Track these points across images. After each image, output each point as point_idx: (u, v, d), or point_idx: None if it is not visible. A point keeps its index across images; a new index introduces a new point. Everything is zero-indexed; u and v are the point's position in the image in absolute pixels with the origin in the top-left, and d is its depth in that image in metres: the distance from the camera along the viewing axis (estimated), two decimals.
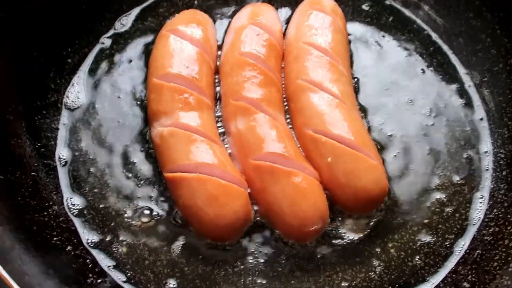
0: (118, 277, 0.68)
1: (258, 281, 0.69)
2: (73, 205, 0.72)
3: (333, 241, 0.71)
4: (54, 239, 0.67)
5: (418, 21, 0.88)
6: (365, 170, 0.70)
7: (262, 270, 0.69)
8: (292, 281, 0.69)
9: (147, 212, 0.72)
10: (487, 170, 0.76)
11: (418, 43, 0.86)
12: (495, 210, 0.73)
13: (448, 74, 0.84)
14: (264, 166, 0.70)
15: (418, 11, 0.88)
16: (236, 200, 0.68)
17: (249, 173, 0.71)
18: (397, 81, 0.83)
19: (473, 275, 0.68)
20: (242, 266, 0.69)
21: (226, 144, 0.75)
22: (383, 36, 0.87)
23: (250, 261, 0.69)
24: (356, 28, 0.87)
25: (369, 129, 0.78)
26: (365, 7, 0.89)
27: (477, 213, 0.74)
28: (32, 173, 0.71)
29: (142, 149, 0.76)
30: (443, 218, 0.73)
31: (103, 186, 0.73)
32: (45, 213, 0.69)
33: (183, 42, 0.77)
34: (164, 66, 0.76)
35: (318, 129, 0.73)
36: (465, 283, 0.67)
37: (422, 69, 0.84)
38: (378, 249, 0.71)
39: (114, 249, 0.69)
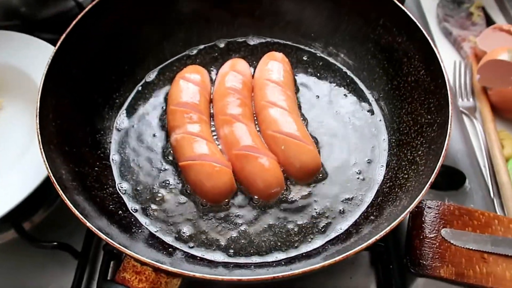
0: (151, 228, 0.73)
1: (238, 222, 0.74)
2: (122, 187, 0.77)
3: (287, 199, 0.76)
4: (111, 206, 0.73)
5: (338, 64, 0.94)
6: (305, 152, 0.77)
7: (240, 218, 0.74)
8: (257, 222, 0.74)
9: (169, 188, 0.77)
10: (384, 150, 0.82)
11: (339, 78, 0.92)
12: (389, 173, 0.78)
13: (359, 95, 0.90)
14: (241, 154, 0.76)
15: (337, 58, 0.95)
16: (224, 175, 0.74)
17: (232, 159, 0.77)
18: (328, 102, 0.89)
19: (376, 212, 0.73)
20: (227, 216, 0.74)
21: (218, 144, 0.81)
22: (318, 74, 0.93)
23: (233, 213, 0.75)
24: (299, 71, 0.94)
25: (308, 129, 0.84)
26: (304, 58, 0.95)
27: (379, 176, 0.79)
28: (96, 168, 0.77)
29: (165, 151, 0.82)
30: (358, 181, 0.78)
31: (140, 175, 0.79)
32: (104, 192, 0.74)
33: (188, 84, 0.85)
34: (177, 98, 0.83)
35: (274, 129, 0.79)
36: (371, 217, 0.73)
37: (345, 94, 0.90)
38: (315, 201, 0.76)
39: (149, 212, 0.75)
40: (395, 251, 0.82)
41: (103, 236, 0.56)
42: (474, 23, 1.19)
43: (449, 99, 0.71)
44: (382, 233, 0.57)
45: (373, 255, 0.82)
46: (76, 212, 0.58)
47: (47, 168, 0.60)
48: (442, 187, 0.89)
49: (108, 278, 0.76)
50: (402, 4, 1.14)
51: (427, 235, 0.77)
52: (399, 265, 0.80)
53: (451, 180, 0.91)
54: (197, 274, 0.53)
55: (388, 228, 0.58)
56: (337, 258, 0.54)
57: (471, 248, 0.76)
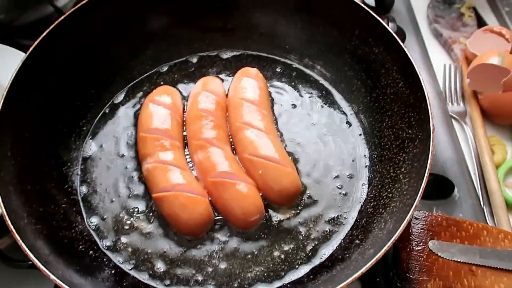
0: (125, 266, 0.69)
1: (221, 255, 0.71)
2: (91, 222, 0.73)
3: (269, 225, 0.74)
4: (81, 247, 0.69)
5: (314, 75, 0.91)
6: (284, 175, 0.74)
7: (219, 250, 0.72)
8: (238, 253, 0.71)
9: (140, 219, 0.74)
10: (366, 166, 0.80)
11: (316, 89, 0.89)
12: (373, 191, 0.76)
13: (337, 108, 0.87)
14: (218, 181, 0.73)
15: (314, 70, 0.92)
16: (200, 206, 0.71)
17: (209, 187, 0.74)
18: (304, 114, 0.86)
19: (361, 235, 0.71)
20: (208, 247, 0.72)
21: (193, 170, 0.77)
22: (294, 86, 0.90)
23: (215, 244, 0.72)
24: (274, 83, 0.90)
25: (285, 146, 0.81)
26: (278, 69, 0.92)
27: (361, 194, 0.77)
28: (63, 205, 0.72)
29: (138, 179, 0.78)
30: (340, 197, 0.76)
31: (111, 207, 0.75)
32: (73, 231, 0.70)
33: (159, 107, 0.80)
34: (147, 124, 0.79)
35: (251, 153, 0.76)
36: (356, 240, 0.70)
37: (321, 105, 0.87)
38: (300, 223, 0.74)
39: (121, 247, 0.71)
40: (382, 263, 0.79)
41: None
42: (465, 24, 1.17)
43: (430, 114, 0.69)
44: (368, 265, 0.55)
45: None
46: (38, 264, 0.53)
47: (6, 220, 0.55)
48: (431, 196, 0.86)
49: None
50: (391, 7, 1.14)
51: (414, 248, 0.75)
52: (385, 279, 0.78)
53: (440, 188, 0.89)
54: None
55: (374, 259, 0.55)
56: None
57: (459, 260, 0.74)
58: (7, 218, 0.54)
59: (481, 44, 1.04)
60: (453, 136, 0.97)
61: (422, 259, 0.74)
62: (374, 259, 0.55)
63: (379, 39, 0.80)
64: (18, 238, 0.54)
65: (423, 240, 0.76)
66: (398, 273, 0.74)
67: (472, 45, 1.06)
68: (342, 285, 0.53)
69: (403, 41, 1.08)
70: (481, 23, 1.17)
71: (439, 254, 0.75)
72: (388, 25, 0.77)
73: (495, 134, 0.99)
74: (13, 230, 0.54)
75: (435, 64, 1.11)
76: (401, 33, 1.08)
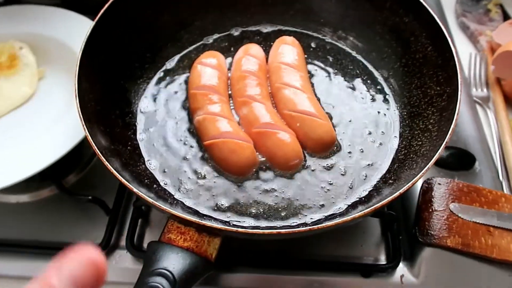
0: (186, 201, 0.76)
1: (267, 191, 0.78)
2: (150, 163, 0.81)
3: (308, 168, 0.80)
4: (146, 181, 0.77)
5: (347, 48, 0.98)
6: (320, 126, 0.81)
7: (268, 185, 0.78)
8: (286, 188, 0.78)
9: (196, 165, 0.81)
10: (396, 121, 0.85)
11: (348, 60, 0.96)
12: (403, 142, 0.82)
13: (369, 74, 0.93)
14: (261, 131, 0.80)
15: (346, 41, 0.99)
16: (247, 150, 0.78)
17: (253, 136, 0.81)
18: (338, 82, 0.93)
19: (394, 176, 0.76)
20: (256, 185, 0.78)
21: (239, 124, 0.84)
22: (328, 58, 0.97)
23: (256, 184, 0.79)
24: (309, 56, 0.97)
25: (322, 108, 0.87)
26: (313, 44, 1.00)
27: (393, 145, 0.83)
28: (128, 147, 0.81)
29: (190, 130, 0.86)
30: (375, 149, 0.82)
31: (167, 153, 0.82)
32: (138, 168, 0.79)
33: (206, 68, 0.88)
34: (196, 82, 0.87)
35: (290, 108, 0.83)
36: (390, 181, 0.76)
37: (354, 73, 0.94)
38: (337, 168, 0.80)
39: (181, 187, 0.79)
40: (405, 222, 0.86)
41: (153, 201, 0.60)
42: (491, 19, 1.24)
43: (457, 70, 0.75)
44: (403, 189, 0.60)
45: (383, 225, 0.86)
46: (112, 169, 0.62)
47: (84, 129, 0.65)
48: (453, 167, 0.93)
49: (136, 233, 0.83)
50: None
51: (436, 209, 0.81)
52: (408, 235, 0.84)
53: (462, 161, 0.94)
54: (240, 229, 0.57)
55: (406, 186, 0.61)
56: (366, 211, 0.58)
57: (477, 221, 0.80)
58: (97, 149, 0.64)
59: (506, 35, 1.10)
60: (476, 118, 1.04)
61: (444, 218, 0.80)
62: (406, 186, 0.61)
63: (408, 9, 0.87)
64: (107, 163, 0.63)
65: (445, 203, 0.82)
66: (420, 229, 0.80)
67: (497, 36, 1.13)
68: (377, 205, 0.59)
69: None
70: (506, 18, 1.24)
71: (460, 215, 0.81)
72: None
73: None
74: (102, 157, 0.64)
75: (462, 54, 1.18)
76: None
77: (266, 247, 0.82)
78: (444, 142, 0.65)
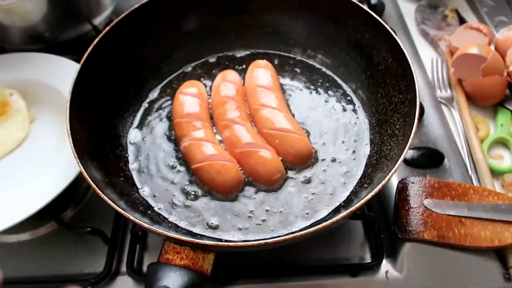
0: (180, 223, 0.82)
1: (254, 206, 0.84)
2: (144, 191, 0.87)
3: (290, 181, 0.86)
4: (140, 208, 0.82)
5: (316, 64, 1.06)
6: (298, 141, 0.87)
7: (254, 201, 0.84)
8: (270, 201, 0.84)
9: (186, 189, 0.87)
10: (366, 129, 0.93)
11: (319, 75, 1.04)
12: (375, 148, 0.89)
13: (339, 88, 1.01)
14: (244, 151, 0.86)
15: (315, 59, 1.07)
16: (232, 170, 0.84)
17: (237, 156, 0.87)
18: (311, 98, 1.00)
19: (368, 180, 0.83)
20: (243, 202, 0.84)
21: (222, 145, 0.91)
22: (300, 76, 1.04)
23: (243, 200, 0.85)
24: (283, 75, 1.05)
25: (298, 123, 0.93)
26: (285, 63, 1.07)
27: (366, 151, 0.90)
28: (121, 178, 0.87)
29: (178, 156, 0.92)
30: (349, 157, 0.89)
31: (158, 180, 0.88)
32: (132, 197, 0.84)
33: (187, 97, 0.95)
34: (179, 111, 0.93)
35: (269, 127, 0.90)
36: (365, 185, 0.82)
37: (324, 88, 1.01)
38: (317, 178, 0.87)
39: (173, 209, 0.84)
40: (385, 221, 0.93)
41: (150, 227, 0.65)
42: (449, 24, 1.35)
43: (414, 78, 0.82)
44: (376, 189, 0.67)
45: (366, 226, 0.93)
46: (108, 201, 0.67)
47: (79, 166, 0.70)
48: (425, 166, 1.01)
49: (136, 258, 0.88)
50: (382, 12, 1.30)
51: (411, 206, 0.88)
52: (388, 234, 0.91)
53: (432, 159, 1.02)
54: (230, 244, 0.63)
55: (377, 188, 0.68)
56: (344, 213, 0.64)
57: (450, 214, 0.87)
58: (92, 183, 0.69)
59: (462, 39, 1.21)
60: (443, 118, 1.12)
61: (419, 214, 0.87)
62: (380, 184, 0.67)
63: (368, 26, 0.95)
64: (103, 195, 0.68)
65: (419, 200, 0.89)
66: (399, 227, 0.87)
67: (454, 40, 1.22)
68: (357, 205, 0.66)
69: None
70: (462, 22, 1.34)
71: (433, 210, 0.88)
72: None
73: (478, 114, 1.14)
74: (97, 190, 0.69)
75: (424, 59, 1.28)
76: None
77: (261, 259, 0.88)
78: (407, 145, 0.72)
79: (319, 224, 0.75)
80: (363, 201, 0.65)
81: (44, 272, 0.91)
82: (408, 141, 0.73)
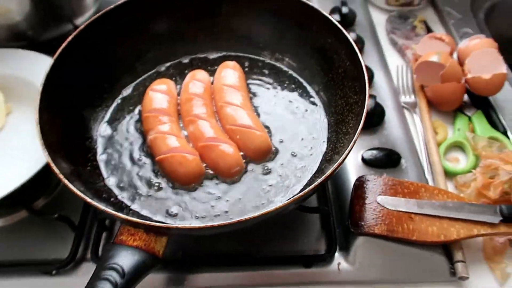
0: (141, 211, 0.87)
1: (214, 197, 0.88)
2: (109, 180, 0.91)
3: (249, 174, 0.91)
4: (104, 195, 0.87)
5: (284, 67, 1.11)
6: (257, 137, 0.92)
7: (214, 192, 0.89)
8: (229, 192, 0.88)
9: (149, 179, 0.92)
10: (325, 128, 0.98)
11: (285, 77, 1.09)
12: (331, 145, 0.94)
13: (303, 90, 1.06)
14: (206, 145, 0.91)
15: (283, 62, 1.12)
16: (192, 162, 0.89)
17: (200, 150, 0.92)
18: (276, 98, 1.06)
19: (321, 175, 0.84)
20: (203, 192, 0.89)
21: (187, 140, 0.95)
22: (267, 77, 1.09)
23: (204, 191, 0.89)
24: (251, 76, 1.10)
25: (261, 120, 0.99)
26: (254, 65, 1.12)
27: (322, 148, 0.95)
28: (88, 168, 0.91)
29: (144, 149, 0.97)
30: (306, 153, 0.94)
31: (124, 170, 0.93)
32: (97, 185, 0.88)
33: (157, 93, 1.00)
34: (148, 106, 0.98)
35: (231, 123, 0.94)
36: (317, 179, 0.81)
37: (290, 89, 1.06)
38: (275, 172, 0.92)
39: (136, 198, 0.89)
40: (341, 216, 0.98)
41: (102, 207, 0.69)
42: (417, 34, 1.43)
43: (366, 81, 0.88)
44: (314, 184, 0.72)
45: (322, 221, 0.97)
46: (73, 189, 0.71)
47: (47, 157, 0.74)
48: (382, 165, 1.06)
49: (100, 245, 0.92)
50: (354, 20, 1.37)
51: (365, 202, 0.93)
52: (343, 228, 0.97)
53: (390, 159, 1.08)
54: (179, 226, 0.68)
55: (319, 180, 0.73)
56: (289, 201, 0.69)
57: (400, 210, 0.92)
58: (57, 171, 0.73)
59: (426, 47, 1.27)
60: (404, 121, 1.18)
61: (372, 209, 0.92)
62: (330, 170, 0.73)
63: (330, 31, 1.00)
64: (66, 182, 0.72)
65: (373, 196, 0.94)
66: (352, 221, 0.92)
67: (419, 49, 1.30)
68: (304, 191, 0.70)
69: (362, 48, 1.33)
70: (430, 33, 1.40)
71: (385, 206, 0.93)
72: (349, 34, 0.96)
73: (438, 119, 1.21)
74: (63, 179, 0.73)
75: (391, 67, 1.35)
76: (361, 41, 1.33)
77: (225, 249, 0.93)
78: (352, 142, 0.77)
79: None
80: (303, 192, 0.70)
81: (13, 257, 0.95)
82: (355, 134, 0.78)
